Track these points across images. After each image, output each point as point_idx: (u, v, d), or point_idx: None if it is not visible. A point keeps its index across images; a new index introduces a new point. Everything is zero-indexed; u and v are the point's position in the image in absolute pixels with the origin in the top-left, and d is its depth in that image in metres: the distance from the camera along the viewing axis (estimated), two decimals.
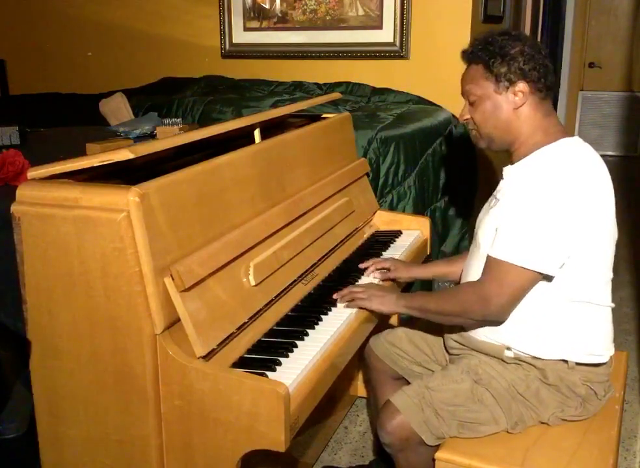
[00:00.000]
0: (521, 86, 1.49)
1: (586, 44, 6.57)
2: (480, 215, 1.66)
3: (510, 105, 1.51)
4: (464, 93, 1.57)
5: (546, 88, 1.51)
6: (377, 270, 1.88)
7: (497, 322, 1.51)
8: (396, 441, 1.52)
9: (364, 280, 1.83)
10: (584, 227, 1.42)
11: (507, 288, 1.43)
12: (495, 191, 1.64)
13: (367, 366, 1.89)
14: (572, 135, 1.54)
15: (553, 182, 1.41)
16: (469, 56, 1.55)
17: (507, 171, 1.58)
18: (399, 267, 1.88)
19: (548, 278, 1.45)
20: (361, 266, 1.90)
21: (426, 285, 2.56)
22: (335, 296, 1.68)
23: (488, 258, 1.47)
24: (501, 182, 1.60)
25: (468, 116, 1.57)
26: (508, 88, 1.49)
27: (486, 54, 1.50)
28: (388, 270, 1.87)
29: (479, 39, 1.55)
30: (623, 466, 2.10)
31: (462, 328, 1.64)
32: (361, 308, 1.65)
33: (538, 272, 1.42)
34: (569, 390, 1.50)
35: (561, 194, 1.40)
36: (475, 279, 1.52)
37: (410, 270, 1.89)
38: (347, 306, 1.65)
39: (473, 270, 1.58)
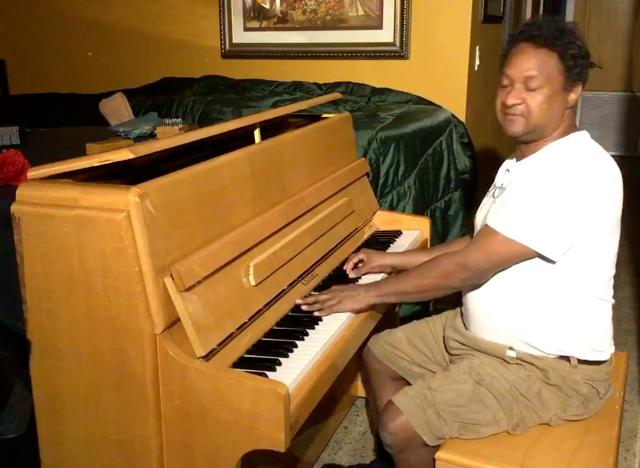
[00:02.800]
0: (579, 88, 1.50)
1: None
2: (480, 210, 1.66)
3: (564, 104, 1.49)
4: (524, 75, 1.46)
5: None
6: (354, 264, 1.86)
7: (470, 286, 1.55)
8: (397, 441, 1.52)
9: (364, 281, 1.83)
10: (593, 218, 1.43)
11: (492, 257, 1.46)
12: (495, 185, 1.64)
13: (366, 367, 1.89)
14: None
15: (566, 170, 1.43)
16: (543, 41, 1.45)
17: (515, 165, 1.58)
18: (372, 257, 1.86)
19: (547, 260, 1.45)
20: (347, 269, 1.86)
21: None
22: (303, 307, 1.61)
23: (485, 226, 1.49)
24: (506, 176, 1.60)
25: (519, 101, 1.47)
26: (571, 87, 1.49)
27: (563, 45, 1.45)
28: (362, 261, 1.87)
29: (548, 23, 1.48)
30: (623, 466, 2.10)
31: (464, 327, 1.64)
32: (334, 312, 1.60)
33: (533, 250, 1.43)
34: (571, 390, 1.50)
35: (573, 182, 1.41)
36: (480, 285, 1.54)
37: (384, 258, 1.87)
38: (319, 314, 1.58)
39: None
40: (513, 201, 1.46)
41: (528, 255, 1.45)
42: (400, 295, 1.62)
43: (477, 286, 1.56)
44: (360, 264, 1.87)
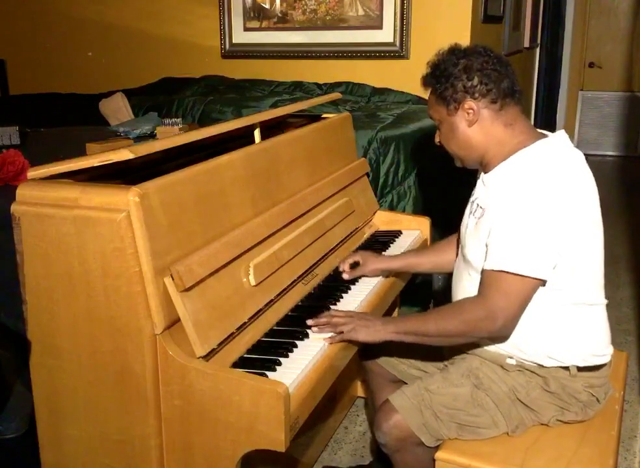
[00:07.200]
0: (470, 103, 1.48)
1: (586, 44, 6.57)
2: (463, 226, 1.62)
3: (464, 124, 1.51)
4: (430, 118, 1.64)
5: (503, 96, 1.48)
6: (349, 265, 1.85)
7: (502, 338, 1.49)
8: (392, 441, 1.52)
9: (359, 284, 1.82)
10: (572, 226, 1.40)
11: (515, 299, 1.39)
12: (474, 197, 1.61)
13: (366, 370, 1.88)
14: (547, 135, 1.51)
15: (538, 185, 1.39)
16: (424, 83, 1.60)
17: (487, 178, 1.55)
18: (368, 260, 1.85)
19: (544, 283, 1.42)
20: (341, 269, 1.85)
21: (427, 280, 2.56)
22: (310, 324, 1.52)
23: (487, 272, 1.42)
24: (481, 190, 1.57)
25: (438, 139, 1.63)
26: (457, 108, 1.50)
27: (433, 79, 1.55)
28: (358, 263, 1.86)
29: (430, 63, 1.59)
30: (623, 466, 2.10)
31: None
32: (345, 340, 1.50)
33: (539, 279, 1.39)
34: (570, 397, 1.49)
35: (547, 196, 1.37)
36: (465, 296, 1.50)
37: (380, 262, 1.87)
38: (331, 342, 1.48)
39: (461, 285, 1.57)
40: (507, 234, 1.39)
41: (538, 285, 1.41)
42: (420, 335, 1.49)
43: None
44: (356, 266, 1.85)
